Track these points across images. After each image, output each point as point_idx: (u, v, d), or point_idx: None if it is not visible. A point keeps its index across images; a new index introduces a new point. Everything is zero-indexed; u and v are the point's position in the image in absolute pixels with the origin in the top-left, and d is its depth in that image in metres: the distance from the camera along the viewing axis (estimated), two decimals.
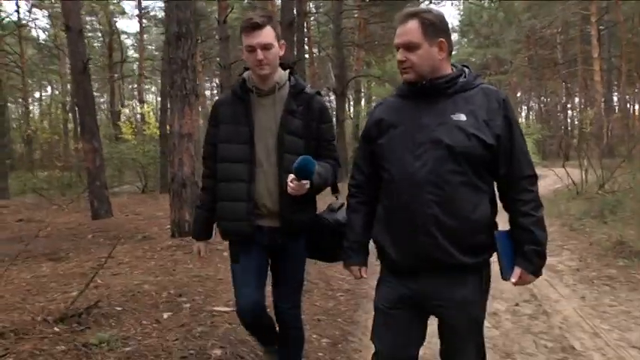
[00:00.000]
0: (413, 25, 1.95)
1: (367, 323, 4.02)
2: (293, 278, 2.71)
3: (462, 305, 2.02)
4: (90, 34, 33.93)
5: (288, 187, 2.36)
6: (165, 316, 3.89)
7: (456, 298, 2.01)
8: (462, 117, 1.93)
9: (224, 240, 2.66)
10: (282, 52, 2.51)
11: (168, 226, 7.93)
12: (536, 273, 2.02)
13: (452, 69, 2.04)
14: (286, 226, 2.52)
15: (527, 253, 1.99)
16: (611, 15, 29.37)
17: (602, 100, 28.96)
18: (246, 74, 2.58)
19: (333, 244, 2.45)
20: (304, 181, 2.36)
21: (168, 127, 9.04)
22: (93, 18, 32.34)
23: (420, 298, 2.04)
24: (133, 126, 23.24)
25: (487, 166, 1.98)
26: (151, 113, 22.77)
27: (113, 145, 21.89)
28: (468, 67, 2.08)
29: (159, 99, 34.35)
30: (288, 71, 2.60)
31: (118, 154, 20.47)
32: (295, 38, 13.08)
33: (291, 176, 2.35)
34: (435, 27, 1.96)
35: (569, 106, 37.26)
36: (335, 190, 2.67)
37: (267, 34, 2.41)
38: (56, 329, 3.43)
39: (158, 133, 19.97)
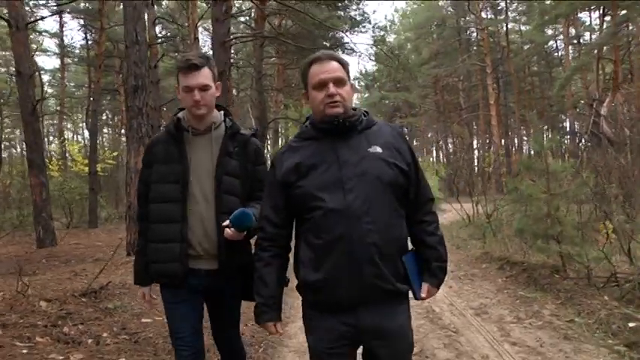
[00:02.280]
0: (336, 65, 2.10)
1: None
2: (231, 317, 2.75)
3: (400, 332, 2.12)
4: (1, 69, 33.97)
5: (225, 233, 2.39)
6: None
7: (394, 327, 2.09)
8: (379, 149, 2.07)
9: (156, 283, 2.67)
10: (218, 93, 2.57)
11: (112, 252, 9.23)
12: (439, 285, 2.23)
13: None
14: (225, 268, 2.51)
15: (434, 269, 2.18)
16: (505, 66, 33.61)
17: (502, 141, 32.90)
18: (181, 114, 2.60)
19: None
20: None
21: (126, 163, 10.31)
22: (7, 53, 32.36)
23: (359, 332, 2.08)
24: (59, 163, 23.85)
25: (404, 193, 2.13)
26: (77, 151, 23.56)
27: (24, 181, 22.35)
28: (362, 109, 2.24)
29: (85, 136, 34.70)
30: (222, 112, 2.66)
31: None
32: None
33: (227, 222, 2.40)
34: (348, 70, 2.15)
35: (474, 146, 41.42)
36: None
37: (205, 75, 2.47)
38: (83, 300, 5.04)
39: (87, 170, 20.81)
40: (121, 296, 5.43)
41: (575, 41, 31.01)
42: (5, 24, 22.48)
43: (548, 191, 6.98)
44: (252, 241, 2.48)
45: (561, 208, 7.28)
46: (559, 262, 6.92)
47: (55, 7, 24.05)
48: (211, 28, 30.36)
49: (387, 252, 2.01)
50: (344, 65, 2.13)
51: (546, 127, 38.85)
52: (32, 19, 16.32)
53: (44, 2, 25.71)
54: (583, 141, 21.11)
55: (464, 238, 12.11)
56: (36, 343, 3.99)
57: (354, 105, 2.22)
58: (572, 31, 30.91)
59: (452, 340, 4.93)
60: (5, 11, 13.15)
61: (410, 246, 2.22)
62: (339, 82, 2.08)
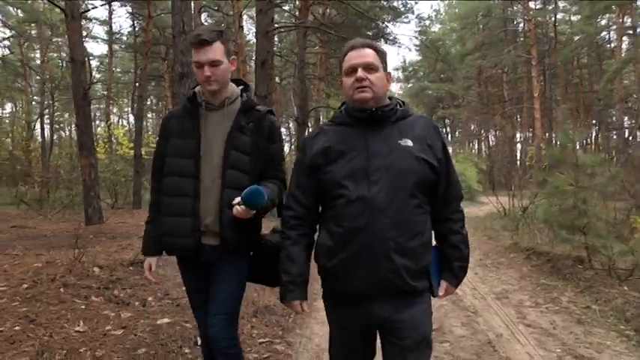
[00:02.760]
0: (370, 51, 2.11)
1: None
2: (230, 300, 2.59)
3: (411, 324, 2.09)
4: (54, 54, 35.47)
5: (234, 210, 2.38)
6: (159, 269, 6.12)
7: (407, 320, 2.08)
8: (409, 142, 2.06)
9: (169, 255, 2.69)
10: (233, 68, 2.54)
11: None
12: (458, 285, 2.25)
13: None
14: (225, 245, 2.49)
15: (455, 268, 2.19)
16: (551, 58, 33.02)
17: (545, 135, 32.43)
18: (197, 88, 2.60)
19: (275, 266, 2.34)
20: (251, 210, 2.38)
21: None
22: (59, 39, 33.62)
23: (372, 323, 2.12)
24: (106, 146, 24.94)
25: (431, 189, 2.10)
26: (123, 135, 24.61)
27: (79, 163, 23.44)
28: (398, 99, 2.25)
29: (130, 120, 35.94)
30: (240, 87, 2.64)
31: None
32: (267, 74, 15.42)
33: (238, 199, 2.37)
34: (385, 59, 2.15)
35: (517, 139, 40.92)
36: (282, 213, 2.57)
37: (216, 51, 2.44)
38: (130, 268, 5.60)
39: (132, 153, 21.72)
40: (164, 267, 5.97)
41: (629, 32, 30.09)
42: (59, 12, 23.75)
43: (576, 183, 7.18)
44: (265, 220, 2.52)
45: (593, 203, 7.44)
46: (584, 253, 7.13)
47: None
48: (255, 18, 31.07)
49: (405, 247, 2.00)
50: (379, 53, 2.13)
51: (594, 121, 38.25)
52: (85, 9, 17.06)
53: None
54: (629, 136, 20.74)
55: (497, 230, 12.31)
56: (91, 302, 4.56)
57: (391, 94, 2.24)
58: (628, 20, 30.11)
59: (470, 320, 5.27)
60: (61, 2, 13.89)
61: (434, 242, 2.21)
62: (369, 67, 2.08)
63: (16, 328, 3.83)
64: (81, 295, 4.64)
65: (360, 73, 2.06)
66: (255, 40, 31.32)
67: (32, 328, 3.85)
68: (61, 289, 4.69)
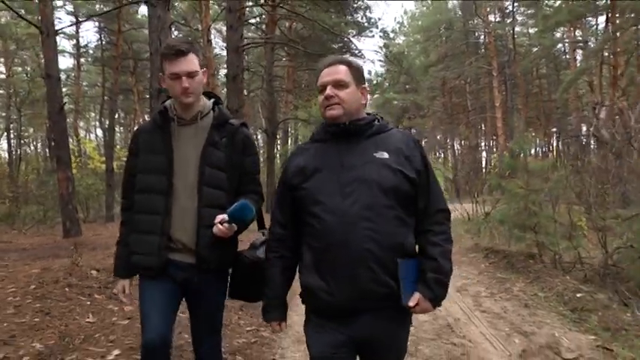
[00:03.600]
0: (342, 67, 2.13)
1: None
2: (212, 320, 2.61)
3: (395, 343, 2.13)
4: (18, 68, 35.30)
5: (215, 228, 2.33)
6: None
7: (390, 337, 2.10)
8: (385, 154, 2.06)
9: (134, 275, 2.59)
10: (205, 80, 2.49)
11: None
12: (435, 301, 2.08)
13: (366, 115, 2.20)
14: (201, 264, 2.43)
15: (429, 280, 2.06)
16: (511, 69, 34.49)
17: (507, 143, 33.81)
18: (168, 102, 2.54)
19: (254, 282, 2.40)
20: (234, 225, 2.36)
21: None
22: (26, 53, 33.57)
23: (355, 340, 2.09)
24: (77, 160, 25.10)
25: (410, 201, 2.09)
26: (93, 149, 24.82)
27: (52, 178, 23.60)
28: (377, 115, 2.24)
29: (98, 134, 35.90)
30: (212, 100, 2.59)
31: (55, 186, 22.26)
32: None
33: (222, 217, 2.33)
34: (359, 74, 2.16)
35: (481, 148, 42.36)
36: (261, 226, 2.61)
37: (192, 62, 2.40)
38: None
39: (103, 167, 22.00)
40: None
41: (581, 45, 31.79)
42: (24, 26, 23.90)
43: (527, 187, 8.04)
44: (242, 237, 2.51)
45: (543, 205, 8.31)
46: (535, 250, 7.97)
47: (73, 12, 25.27)
48: (225, 33, 31.60)
49: (384, 258, 1.99)
50: (352, 69, 2.15)
51: (554, 129, 39.94)
52: (61, 27, 17.43)
53: (61, 5, 27.07)
54: (580, 143, 21.98)
55: (460, 233, 13.13)
56: (95, 298, 5.13)
57: (365, 109, 2.24)
58: (579, 33, 31.81)
59: None
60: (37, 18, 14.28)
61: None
62: (339, 84, 2.11)
63: (36, 319, 4.39)
64: (85, 294, 5.19)
65: (329, 90, 2.11)
66: (222, 54, 31.77)
67: (49, 320, 4.41)
68: (66, 289, 5.24)
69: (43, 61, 29.28)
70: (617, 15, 19.51)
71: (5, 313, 4.54)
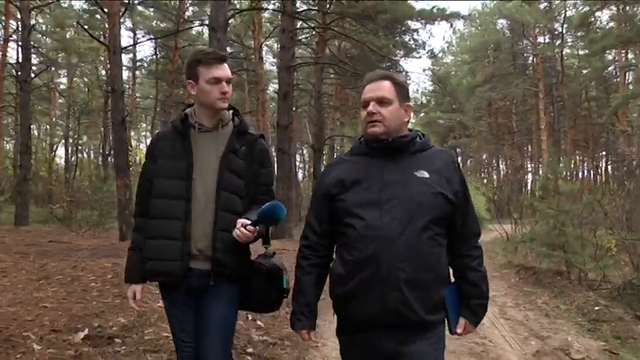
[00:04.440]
0: (386, 84, 2.13)
1: None
2: (223, 325, 2.54)
3: (426, 358, 2.09)
4: (77, 79, 37.48)
5: (237, 232, 2.33)
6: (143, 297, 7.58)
7: (416, 353, 2.06)
8: (426, 174, 2.07)
9: (151, 281, 2.62)
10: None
11: None
12: (478, 324, 2.20)
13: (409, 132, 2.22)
14: (218, 269, 2.44)
15: (474, 306, 2.14)
16: (559, 91, 34.54)
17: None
18: (188, 110, 2.58)
19: (268, 291, 2.46)
20: (258, 227, 2.37)
21: None
22: (86, 66, 35.54)
23: (383, 353, 2.10)
24: (130, 169, 26.50)
25: (447, 222, 2.10)
26: None
27: (104, 185, 24.97)
28: (419, 132, 2.26)
29: (146, 144, 37.62)
30: (232, 112, 2.61)
31: (112, 193, 23.60)
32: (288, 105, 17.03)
33: (245, 221, 2.34)
34: (404, 91, 2.18)
35: (527, 169, 42.31)
36: (266, 242, 2.58)
37: (228, 69, 2.49)
38: None
39: None
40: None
41: (632, 67, 31.62)
42: (87, 40, 25.66)
43: (557, 207, 8.59)
44: (253, 246, 2.53)
45: (571, 225, 8.84)
46: (563, 267, 8.50)
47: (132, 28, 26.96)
48: (275, 50, 32.85)
49: (416, 279, 2.00)
50: (397, 85, 2.15)
51: (603, 152, 39.54)
52: (126, 45, 18.82)
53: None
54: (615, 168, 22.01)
55: (497, 252, 13.66)
56: None
57: (409, 126, 2.26)
58: (631, 56, 31.68)
59: None
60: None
61: (452, 278, 2.19)
62: (382, 101, 2.11)
63: (117, 301, 5.29)
64: (154, 284, 6.05)
65: (371, 107, 2.11)
66: (271, 69, 32.95)
67: (127, 302, 5.28)
68: None
69: (102, 72, 31.13)
70: None
71: (92, 295, 5.47)
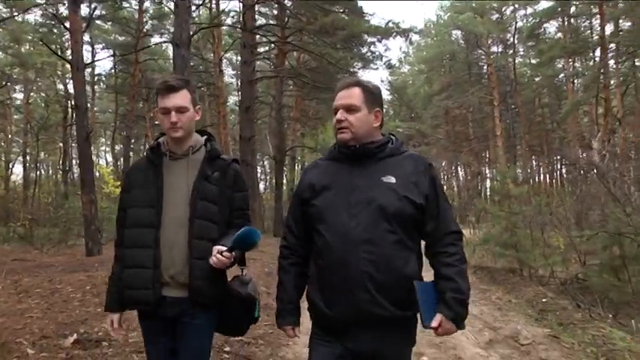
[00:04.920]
0: (355, 91, 2.20)
1: None
2: (199, 354, 2.56)
3: (395, 357, 2.18)
4: (33, 94, 36.92)
5: (214, 259, 2.35)
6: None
7: (389, 354, 2.15)
8: (392, 179, 2.13)
9: (129, 310, 2.58)
10: (198, 117, 2.57)
11: None
12: (458, 321, 2.12)
13: (381, 136, 2.27)
14: (196, 297, 2.44)
15: (449, 300, 2.08)
16: (513, 99, 35.93)
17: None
18: (161, 139, 2.60)
19: (240, 318, 2.51)
20: (234, 253, 2.38)
21: None
22: (43, 80, 35.12)
23: (356, 352, 2.15)
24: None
25: (415, 224, 2.16)
26: (108, 174, 26.17)
27: (66, 201, 24.79)
28: (394, 136, 2.32)
29: (108, 160, 37.35)
30: (205, 137, 2.64)
31: (74, 209, 23.42)
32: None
33: (220, 248, 2.35)
34: (374, 97, 2.24)
35: (484, 175, 43.62)
36: (242, 263, 2.56)
37: (183, 97, 2.47)
38: None
39: (117, 192, 23.21)
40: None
41: (579, 76, 33.13)
42: (44, 55, 25.52)
43: (509, 210, 9.26)
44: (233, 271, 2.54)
45: (522, 226, 9.52)
46: (516, 265, 9.16)
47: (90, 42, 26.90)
48: (234, 62, 33.13)
49: (382, 282, 2.05)
50: (367, 91, 2.21)
51: (557, 157, 41.13)
52: (89, 62, 18.91)
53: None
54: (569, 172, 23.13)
55: None
56: None
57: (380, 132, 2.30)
58: (578, 64, 33.28)
59: None
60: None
61: (430, 279, 2.20)
62: (349, 108, 2.17)
63: (99, 309, 5.60)
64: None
65: (339, 115, 2.19)
66: (232, 82, 33.16)
67: None
68: None
69: (61, 87, 30.83)
70: (608, 50, 20.89)
71: (73, 305, 5.79)
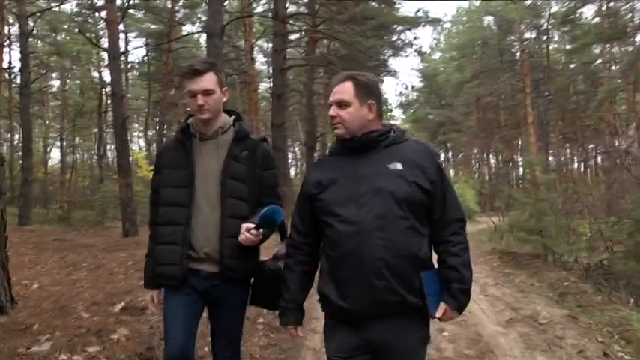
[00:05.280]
0: (347, 85, 2.21)
1: None
2: (232, 329, 2.70)
3: (411, 352, 2.19)
4: (69, 82, 38.03)
5: (242, 236, 2.43)
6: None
7: (405, 347, 2.16)
8: (399, 166, 2.14)
9: (161, 285, 2.66)
10: (225, 98, 2.64)
11: None
12: (460, 309, 2.20)
13: (381, 127, 2.28)
14: (225, 272, 2.54)
15: (454, 290, 2.16)
16: (546, 86, 35.51)
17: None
18: (190, 120, 2.67)
19: (272, 293, 2.50)
20: (262, 231, 2.45)
21: None
22: (77, 68, 36.10)
23: (371, 345, 2.17)
24: None
25: (425, 211, 2.17)
26: (143, 158, 26.97)
27: (101, 185, 25.66)
28: (394, 126, 2.33)
29: (141, 145, 38.32)
30: (233, 117, 2.70)
31: (109, 193, 24.21)
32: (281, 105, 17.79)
33: (248, 225, 2.43)
34: (367, 89, 2.23)
35: (517, 163, 43.36)
36: (283, 237, 2.65)
37: (209, 80, 2.54)
38: None
39: (150, 175, 23.91)
40: None
41: (617, 61, 32.51)
42: (81, 44, 26.33)
43: (535, 197, 9.46)
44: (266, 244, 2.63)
45: (548, 212, 9.71)
46: (541, 251, 9.38)
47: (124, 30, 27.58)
48: (265, 49, 33.52)
49: (397, 267, 2.07)
50: (359, 84, 2.23)
51: (591, 145, 40.55)
52: (123, 50, 19.54)
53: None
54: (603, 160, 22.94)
55: (484, 241, 14.57)
56: None
57: (384, 122, 2.32)
58: (616, 50, 32.66)
59: None
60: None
61: (436, 265, 2.25)
62: (341, 104, 2.21)
63: (141, 282, 6.04)
64: None
65: (332, 111, 2.24)
66: (263, 69, 33.57)
67: None
68: None
69: (95, 74, 31.73)
70: None
71: (118, 278, 6.31)
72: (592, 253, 9.28)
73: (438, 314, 2.16)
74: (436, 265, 2.24)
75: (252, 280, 2.64)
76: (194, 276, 2.54)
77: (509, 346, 5.10)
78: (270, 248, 2.72)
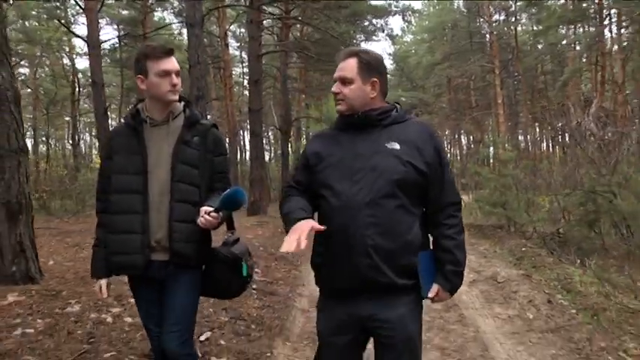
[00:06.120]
0: (351, 62, 2.21)
1: None
2: (182, 309, 2.60)
3: (399, 324, 2.17)
4: (39, 70, 37.80)
5: (202, 219, 2.41)
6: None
7: (393, 319, 2.16)
8: (396, 145, 2.16)
9: (116, 275, 2.67)
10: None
11: None
12: (452, 291, 2.25)
13: (384, 104, 2.28)
14: (177, 260, 2.53)
15: (447, 272, 2.20)
16: (515, 67, 36.67)
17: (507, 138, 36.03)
18: (140, 105, 2.63)
19: (229, 278, 2.58)
20: (220, 214, 2.43)
21: None
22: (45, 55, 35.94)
23: (358, 320, 2.21)
24: (97, 159, 27.54)
25: (419, 192, 2.18)
26: None
27: (78, 174, 25.88)
28: (398, 104, 2.33)
29: None
30: (182, 104, 2.66)
31: (87, 182, 24.53)
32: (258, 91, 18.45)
33: (207, 208, 2.41)
34: (370, 67, 2.22)
35: (487, 143, 44.63)
36: (230, 227, 2.68)
37: (176, 62, 2.56)
38: None
39: None
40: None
41: (580, 42, 33.77)
42: (50, 30, 26.39)
43: (498, 173, 10.39)
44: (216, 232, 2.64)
45: (511, 186, 10.65)
46: (504, 222, 10.33)
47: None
48: (238, 34, 33.86)
49: (384, 247, 2.08)
50: (362, 62, 2.21)
51: (560, 124, 41.97)
52: (104, 40, 19.86)
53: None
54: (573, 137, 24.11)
55: None
56: None
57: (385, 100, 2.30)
58: (581, 31, 33.91)
59: None
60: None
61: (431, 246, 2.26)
62: (344, 80, 2.21)
63: None
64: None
65: (335, 87, 2.25)
66: (236, 55, 33.92)
67: None
68: None
69: (67, 62, 31.67)
70: (604, 17, 21.70)
71: None
72: (553, 224, 10.25)
73: (431, 295, 2.22)
74: (432, 247, 2.29)
75: (201, 266, 2.67)
76: (152, 266, 2.54)
77: (471, 300, 6.00)
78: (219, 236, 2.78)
